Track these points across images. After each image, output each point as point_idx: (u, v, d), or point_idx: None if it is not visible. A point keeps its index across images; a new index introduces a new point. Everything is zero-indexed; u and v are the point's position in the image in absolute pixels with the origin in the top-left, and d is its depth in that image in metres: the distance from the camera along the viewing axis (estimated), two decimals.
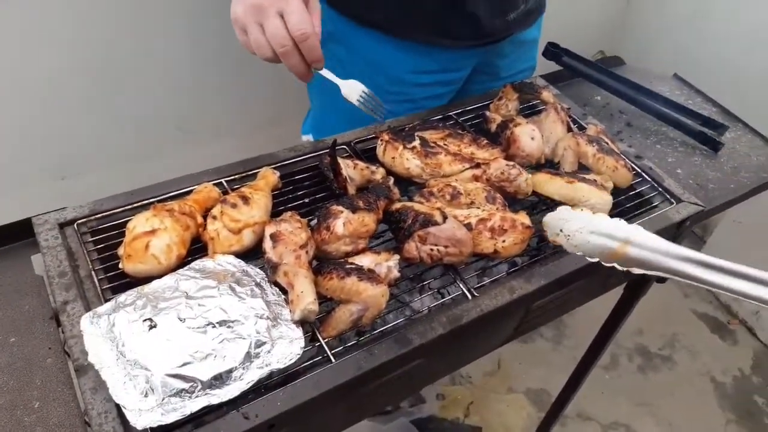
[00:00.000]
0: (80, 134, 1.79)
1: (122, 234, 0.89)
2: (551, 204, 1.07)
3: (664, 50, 2.56)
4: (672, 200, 1.11)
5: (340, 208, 0.89)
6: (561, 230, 0.78)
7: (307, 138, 1.54)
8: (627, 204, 1.10)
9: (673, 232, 1.10)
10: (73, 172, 1.85)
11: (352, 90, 1.01)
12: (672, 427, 2.24)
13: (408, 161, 1.03)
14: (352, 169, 1.02)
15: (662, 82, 1.53)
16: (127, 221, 0.90)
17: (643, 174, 1.15)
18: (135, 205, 0.95)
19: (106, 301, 0.81)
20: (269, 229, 0.86)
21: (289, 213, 0.90)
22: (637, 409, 2.29)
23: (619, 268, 0.68)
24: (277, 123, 2.06)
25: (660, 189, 1.13)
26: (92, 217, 0.93)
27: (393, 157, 1.05)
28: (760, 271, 0.62)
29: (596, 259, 0.72)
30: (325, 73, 0.98)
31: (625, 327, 2.53)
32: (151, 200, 0.96)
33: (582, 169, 1.10)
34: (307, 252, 0.84)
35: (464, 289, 0.90)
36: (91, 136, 1.81)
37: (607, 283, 1.12)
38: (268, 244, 0.85)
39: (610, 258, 0.70)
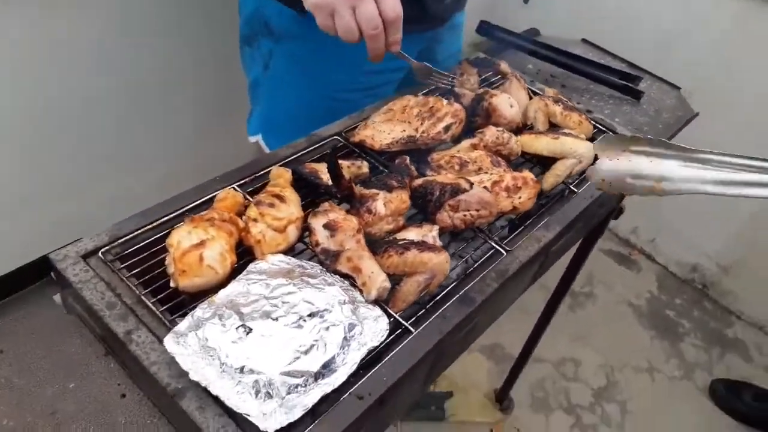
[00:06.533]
0: None
1: (151, 255, 0.85)
2: (538, 161, 1.18)
3: (568, 20, 2.67)
4: None
5: (374, 190, 0.92)
6: (603, 179, 0.87)
7: (256, 139, 1.51)
8: None
9: None
10: None
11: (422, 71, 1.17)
12: (609, 351, 2.53)
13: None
14: (344, 170, 1.03)
15: (575, 46, 1.72)
16: (151, 241, 0.87)
17: (598, 125, 1.30)
18: (154, 224, 0.90)
19: (170, 322, 0.77)
20: (318, 221, 0.87)
21: (326, 203, 0.91)
22: (576, 343, 2.55)
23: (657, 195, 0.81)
24: (209, 138, 1.98)
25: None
26: (114, 244, 0.87)
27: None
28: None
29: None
30: (400, 54, 1.04)
31: (550, 274, 2.81)
32: (167, 217, 0.92)
33: (552, 127, 1.23)
34: (362, 236, 0.87)
35: (497, 247, 0.98)
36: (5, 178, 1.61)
37: (589, 223, 1.26)
38: (322, 235, 0.86)
39: (649, 192, 0.83)
